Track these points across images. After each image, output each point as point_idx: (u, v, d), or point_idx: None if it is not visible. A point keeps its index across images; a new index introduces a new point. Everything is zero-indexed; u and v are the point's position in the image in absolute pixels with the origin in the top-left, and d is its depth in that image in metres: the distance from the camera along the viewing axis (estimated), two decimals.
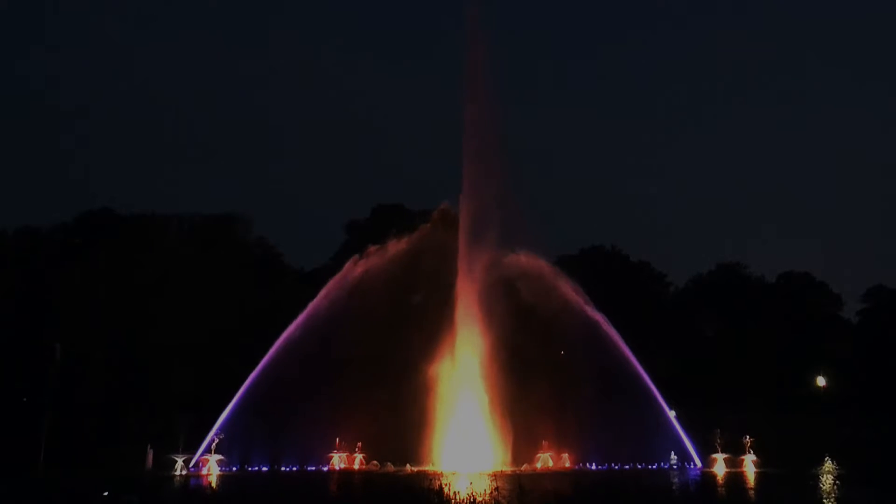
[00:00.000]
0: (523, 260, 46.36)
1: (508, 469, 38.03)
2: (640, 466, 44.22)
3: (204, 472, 38.85)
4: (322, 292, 44.62)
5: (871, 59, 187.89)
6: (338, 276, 45.82)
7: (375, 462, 43.78)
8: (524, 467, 41.22)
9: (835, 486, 31.65)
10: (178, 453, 38.99)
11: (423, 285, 46.88)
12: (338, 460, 43.55)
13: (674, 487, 24.99)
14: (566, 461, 44.95)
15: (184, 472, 38.24)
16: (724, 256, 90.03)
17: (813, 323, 67.43)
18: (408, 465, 42.49)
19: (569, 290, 45.65)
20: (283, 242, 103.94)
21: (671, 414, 44.88)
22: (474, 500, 19.33)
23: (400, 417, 44.74)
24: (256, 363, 41.75)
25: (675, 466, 44.35)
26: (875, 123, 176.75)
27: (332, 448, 43.76)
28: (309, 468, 42.54)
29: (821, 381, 63.99)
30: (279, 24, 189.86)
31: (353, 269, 46.14)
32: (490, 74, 47.90)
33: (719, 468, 42.67)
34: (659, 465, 44.78)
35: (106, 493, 21.65)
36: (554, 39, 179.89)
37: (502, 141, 47.50)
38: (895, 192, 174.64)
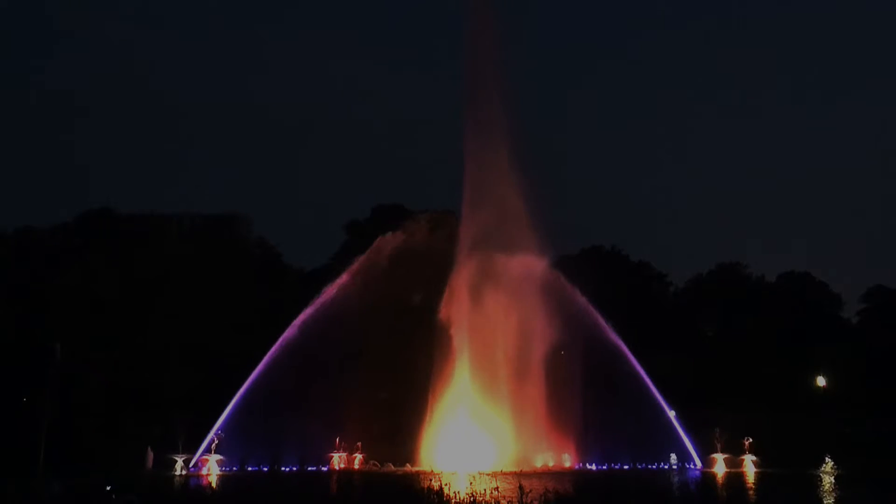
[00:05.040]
0: (522, 260, 46.32)
1: (508, 469, 38.02)
2: (640, 466, 44.25)
3: (204, 472, 38.87)
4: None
5: (872, 58, 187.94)
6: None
7: (375, 462, 43.84)
8: (524, 467, 41.22)
9: (835, 486, 31.64)
10: (178, 453, 39.03)
11: (423, 285, 46.95)
12: (338, 460, 43.59)
13: (674, 487, 24.95)
14: (566, 461, 44.95)
15: (184, 472, 38.27)
16: (724, 256, 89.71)
17: (813, 323, 67.24)
18: (408, 465, 42.53)
19: (566, 290, 45.67)
20: (283, 242, 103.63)
21: (671, 414, 44.89)
22: (474, 500, 19.30)
23: (400, 417, 44.78)
24: (256, 363, 41.77)
25: (675, 466, 44.38)
26: (876, 124, 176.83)
27: (332, 448, 43.80)
28: (309, 468, 42.57)
29: (821, 381, 63.90)
30: (280, 26, 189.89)
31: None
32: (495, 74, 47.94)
33: (719, 468, 42.70)
34: (659, 465, 44.80)
35: (108, 488, 21.69)
36: (556, 39, 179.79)
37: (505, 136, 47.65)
38: (895, 192, 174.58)
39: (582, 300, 45.18)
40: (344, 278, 45.61)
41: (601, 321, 44.51)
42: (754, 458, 43.44)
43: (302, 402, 44.16)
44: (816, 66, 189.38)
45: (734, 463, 43.22)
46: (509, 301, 45.80)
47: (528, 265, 45.96)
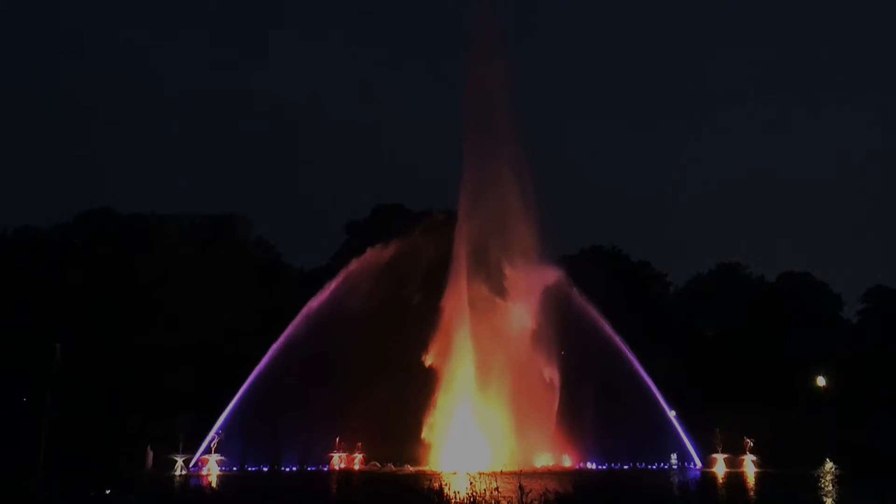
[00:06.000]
0: (523, 262, 46.27)
1: (508, 469, 38.05)
2: (640, 466, 44.26)
3: (204, 472, 38.88)
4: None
5: (872, 59, 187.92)
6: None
7: (375, 462, 43.85)
8: (524, 467, 41.18)
9: (835, 486, 31.63)
10: (178, 453, 39.05)
11: (423, 285, 46.94)
12: (338, 460, 43.60)
13: (674, 487, 24.94)
14: (566, 461, 44.97)
15: (184, 472, 38.28)
16: (724, 256, 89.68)
17: (813, 323, 67.28)
18: (408, 466, 42.55)
19: (567, 291, 45.72)
20: (283, 242, 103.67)
21: (671, 414, 44.91)
22: (474, 500, 19.28)
23: (400, 417, 44.79)
24: (256, 363, 41.77)
25: (675, 466, 44.39)
26: (876, 123, 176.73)
27: (332, 448, 43.80)
28: (309, 468, 42.58)
29: (821, 381, 63.97)
30: (280, 25, 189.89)
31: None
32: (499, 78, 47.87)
33: (719, 468, 42.70)
34: (659, 465, 44.81)
35: (108, 492, 21.72)
36: (556, 40, 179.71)
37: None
38: (895, 192, 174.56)
39: (582, 301, 45.17)
40: (344, 278, 45.63)
41: (602, 322, 44.50)
42: (754, 458, 43.44)
43: (302, 402, 44.18)
44: (817, 66, 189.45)
45: (734, 463, 43.23)
46: (510, 302, 45.79)
47: (528, 267, 45.93)
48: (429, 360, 45.16)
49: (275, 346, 42.06)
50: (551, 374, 45.00)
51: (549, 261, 46.40)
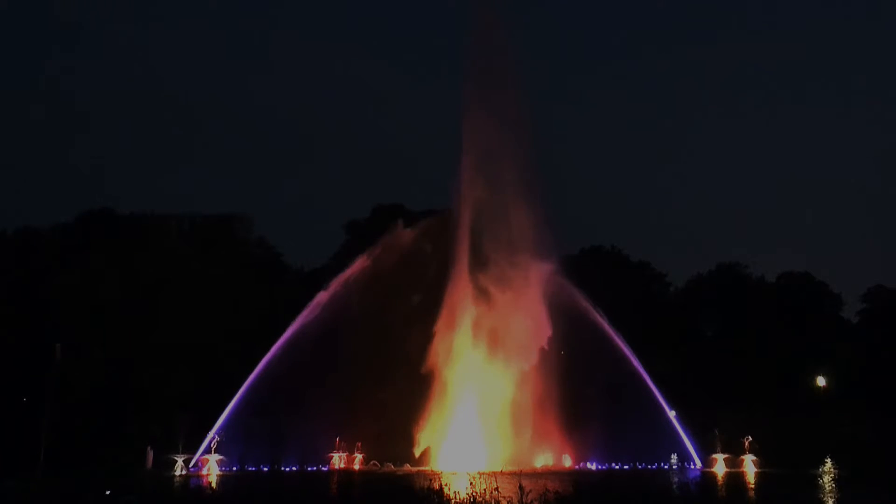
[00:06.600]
0: (524, 262, 46.18)
1: (508, 469, 38.06)
2: (640, 466, 44.26)
3: (204, 472, 38.88)
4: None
5: (872, 59, 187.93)
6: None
7: (375, 462, 43.85)
8: (524, 467, 41.21)
9: (835, 486, 31.62)
10: (178, 453, 39.05)
11: (424, 284, 46.87)
12: (338, 460, 43.60)
13: (674, 487, 24.95)
14: (566, 461, 44.99)
15: (184, 472, 38.28)
16: (724, 256, 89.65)
17: (813, 323, 67.29)
18: (407, 465, 42.56)
19: (567, 291, 45.67)
20: (283, 242, 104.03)
21: (671, 414, 44.91)
22: (474, 500, 19.31)
23: (400, 418, 44.77)
24: (256, 363, 41.78)
25: (675, 466, 44.39)
26: (874, 122, 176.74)
27: (332, 448, 43.81)
28: (309, 468, 42.58)
29: (821, 381, 64.01)
30: (281, 25, 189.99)
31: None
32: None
33: (719, 468, 42.70)
34: (659, 465, 44.80)
35: (108, 492, 21.72)
36: (556, 40, 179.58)
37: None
38: (895, 192, 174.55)
39: (583, 301, 45.15)
40: (343, 278, 45.60)
41: (602, 321, 44.49)
42: (754, 458, 43.44)
43: (302, 402, 44.17)
44: (817, 66, 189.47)
45: (734, 463, 43.23)
46: (511, 301, 45.75)
47: (530, 267, 45.85)
48: (420, 446, 44.15)
49: (276, 346, 42.06)
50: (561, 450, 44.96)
51: (547, 257, 46.00)
